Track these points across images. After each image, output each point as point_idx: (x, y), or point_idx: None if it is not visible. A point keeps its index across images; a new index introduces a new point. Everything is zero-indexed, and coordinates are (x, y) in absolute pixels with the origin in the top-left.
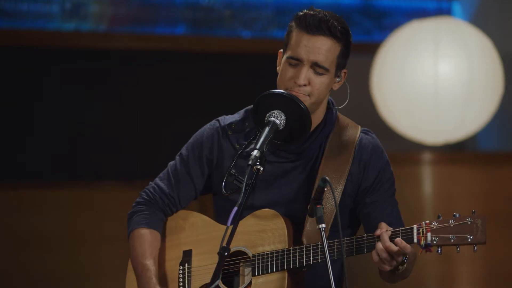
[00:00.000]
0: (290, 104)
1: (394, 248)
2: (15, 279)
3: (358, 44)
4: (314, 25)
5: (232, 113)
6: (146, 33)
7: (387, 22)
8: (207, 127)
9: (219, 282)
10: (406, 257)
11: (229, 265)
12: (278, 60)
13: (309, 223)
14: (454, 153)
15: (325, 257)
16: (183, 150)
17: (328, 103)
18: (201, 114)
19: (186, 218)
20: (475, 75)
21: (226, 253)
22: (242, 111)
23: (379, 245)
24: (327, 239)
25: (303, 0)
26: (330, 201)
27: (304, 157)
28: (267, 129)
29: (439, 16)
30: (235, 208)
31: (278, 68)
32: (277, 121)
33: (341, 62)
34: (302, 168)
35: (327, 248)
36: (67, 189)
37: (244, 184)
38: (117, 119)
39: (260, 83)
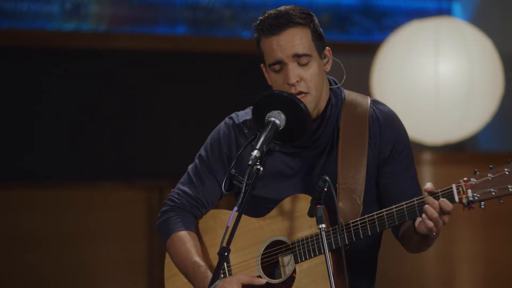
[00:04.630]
0: (289, 104)
1: (437, 207)
2: (15, 279)
3: (358, 44)
4: (275, 24)
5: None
6: (146, 33)
7: (387, 22)
8: (221, 125)
9: (258, 274)
10: None
11: (269, 256)
12: (265, 75)
13: (342, 202)
14: (454, 153)
15: (366, 233)
16: (202, 151)
17: (330, 83)
18: (201, 114)
19: (216, 217)
20: (475, 75)
21: (226, 253)
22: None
23: (428, 208)
24: (361, 215)
25: (302, 0)
26: (359, 176)
27: (321, 143)
28: (267, 129)
29: (439, 16)
30: (235, 208)
31: (268, 81)
32: (277, 121)
33: (319, 44)
34: (320, 154)
35: (364, 226)
36: (67, 189)
37: (244, 184)
38: (117, 119)
39: (260, 83)
